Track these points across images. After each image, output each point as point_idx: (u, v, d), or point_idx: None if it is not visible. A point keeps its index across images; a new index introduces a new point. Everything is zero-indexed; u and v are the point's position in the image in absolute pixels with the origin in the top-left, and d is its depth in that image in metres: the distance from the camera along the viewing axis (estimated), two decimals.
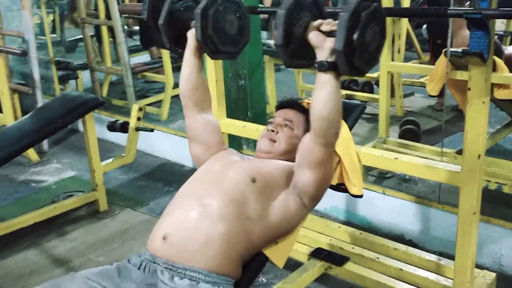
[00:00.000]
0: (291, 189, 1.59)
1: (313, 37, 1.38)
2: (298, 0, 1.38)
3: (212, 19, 1.59)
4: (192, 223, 1.50)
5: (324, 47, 1.35)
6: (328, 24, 1.37)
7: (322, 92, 1.37)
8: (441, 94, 3.43)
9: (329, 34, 1.35)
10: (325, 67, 1.34)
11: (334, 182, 1.94)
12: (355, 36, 1.25)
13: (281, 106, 1.84)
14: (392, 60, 3.42)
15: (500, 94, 2.99)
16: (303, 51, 1.40)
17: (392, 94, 4.04)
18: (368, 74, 4.99)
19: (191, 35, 1.67)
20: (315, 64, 1.37)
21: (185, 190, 1.66)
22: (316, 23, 1.39)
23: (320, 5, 1.45)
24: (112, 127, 3.29)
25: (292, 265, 2.32)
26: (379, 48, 1.35)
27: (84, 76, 5.40)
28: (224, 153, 1.76)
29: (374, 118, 4.18)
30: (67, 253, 2.80)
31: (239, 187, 1.56)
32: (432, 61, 4.76)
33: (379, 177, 3.25)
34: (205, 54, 1.71)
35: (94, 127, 3.13)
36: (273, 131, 1.74)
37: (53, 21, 7.20)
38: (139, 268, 1.52)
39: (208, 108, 1.79)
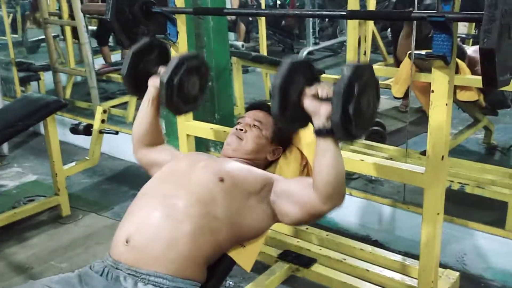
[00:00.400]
0: (267, 202, 1.57)
1: (309, 104, 1.38)
2: (292, 66, 1.38)
3: (177, 87, 1.66)
4: (156, 224, 1.47)
5: (320, 114, 1.35)
6: (322, 90, 1.36)
7: (325, 160, 1.38)
8: (406, 96, 3.48)
9: (324, 99, 1.35)
10: (323, 133, 1.35)
11: None
12: (351, 108, 1.27)
13: (251, 107, 1.86)
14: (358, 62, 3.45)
15: (462, 96, 3.06)
16: (299, 114, 1.40)
17: None
18: (334, 76, 5.02)
19: (152, 84, 1.74)
20: (313, 131, 1.38)
21: (148, 189, 1.63)
22: (311, 91, 1.38)
23: (312, 67, 1.46)
24: (75, 129, 3.22)
25: (260, 267, 2.30)
26: (374, 111, 1.37)
27: (47, 78, 5.27)
28: (190, 153, 1.75)
29: None
30: (28, 259, 2.72)
31: (206, 186, 1.53)
32: (396, 63, 4.84)
33: (345, 178, 3.26)
34: None
35: (56, 129, 3.05)
36: (241, 130, 1.74)
37: (14, 20, 7.01)
38: (101, 275, 1.48)
39: (159, 143, 1.84)
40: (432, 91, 1.58)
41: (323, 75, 4.77)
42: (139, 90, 1.79)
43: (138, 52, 1.76)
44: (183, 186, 1.55)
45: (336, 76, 4.83)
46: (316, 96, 1.37)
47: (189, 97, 1.73)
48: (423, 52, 2.67)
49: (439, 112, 1.59)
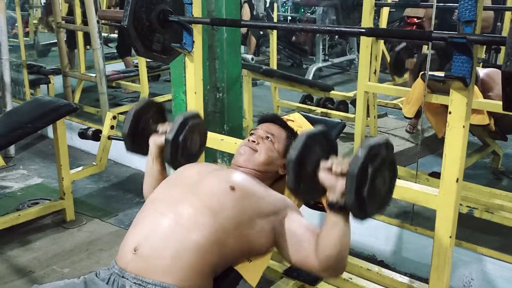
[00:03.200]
0: (272, 228, 1.55)
1: (324, 178, 1.37)
2: (308, 140, 1.38)
3: (181, 145, 1.71)
4: (164, 232, 1.45)
5: (335, 189, 1.34)
6: (338, 165, 1.35)
7: (333, 234, 1.38)
8: (416, 116, 3.46)
9: (339, 174, 1.34)
10: (336, 208, 1.35)
11: (312, 201, 1.92)
12: (365, 190, 1.26)
13: (263, 120, 1.84)
14: (369, 80, 3.45)
15: (473, 119, 3.04)
16: (315, 186, 1.40)
17: (367, 114, 4.07)
18: (344, 93, 4.99)
19: (153, 143, 1.79)
20: (326, 204, 1.37)
21: (158, 195, 1.61)
22: (326, 164, 1.37)
23: (329, 137, 1.46)
24: (83, 134, 3.20)
25: (264, 282, 2.27)
26: (391, 188, 1.35)
27: (56, 82, 5.29)
28: (199, 163, 1.74)
29: (347, 137, 4.20)
30: (30, 263, 2.69)
31: (216, 194, 1.52)
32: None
33: None
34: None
35: (65, 133, 3.04)
36: (254, 141, 1.73)
37: (27, 24, 7.07)
38: (107, 283, 1.46)
39: None
40: (450, 113, 1.57)
41: (332, 92, 4.80)
42: (138, 147, 1.83)
43: (139, 111, 1.80)
44: (193, 193, 1.53)
45: (346, 94, 4.79)
46: (331, 170, 1.36)
47: (192, 153, 1.78)
48: (437, 73, 2.66)
49: (456, 134, 1.57)
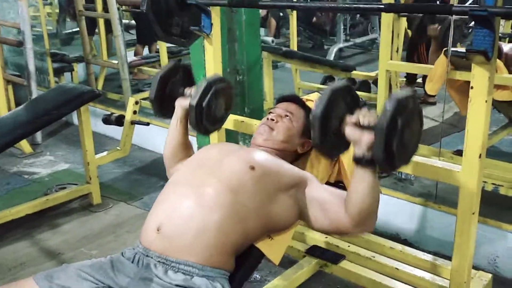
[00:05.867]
0: (295, 200, 1.57)
1: (350, 133, 1.36)
2: (332, 95, 1.36)
3: (206, 110, 1.69)
4: (186, 212, 1.48)
5: (361, 143, 1.33)
6: (364, 118, 1.34)
7: (361, 188, 1.37)
8: None
9: (366, 127, 1.32)
10: (363, 162, 1.34)
11: (332, 180, 1.93)
12: (394, 143, 1.24)
13: (283, 99, 1.86)
14: (391, 59, 3.40)
15: (498, 95, 2.98)
16: (340, 142, 1.39)
17: (389, 93, 4.03)
18: (366, 73, 4.93)
19: (179, 105, 1.78)
20: (353, 158, 1.37)
21: (179, 177, 1.64)
22: (352, 119, 1.36)
23: (353, 90, 1.44)
24: (107, 120, 3.26)
25: (287, 262, 2.30)
26: (418, 140, 1.34)
27: (79, 69, 5.36)
28: (220, 143, 1.76)
29: None
30: (59, 245, 2.77)
31: (237, 174, 1.54)
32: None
33: None
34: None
35: (89, 119, 3.10)
36: (273, 120, 1.74)
37: (49, 13, 7.14)
38: (132, 261, 1.50)
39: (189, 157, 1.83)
40: (472, 88, 1.54)
41: (354, 72, 4.75)
42: (166, 111, 1.84)
43: (165, 75, 1.80)
44: (214, 174, 1.55)
45: (368, 73, 4.76)
46: (357, 124, 1.35)
47: (216, 118, 1.77)
48: (460, 49, 2.61)
49: (478, 109, 1.55)
